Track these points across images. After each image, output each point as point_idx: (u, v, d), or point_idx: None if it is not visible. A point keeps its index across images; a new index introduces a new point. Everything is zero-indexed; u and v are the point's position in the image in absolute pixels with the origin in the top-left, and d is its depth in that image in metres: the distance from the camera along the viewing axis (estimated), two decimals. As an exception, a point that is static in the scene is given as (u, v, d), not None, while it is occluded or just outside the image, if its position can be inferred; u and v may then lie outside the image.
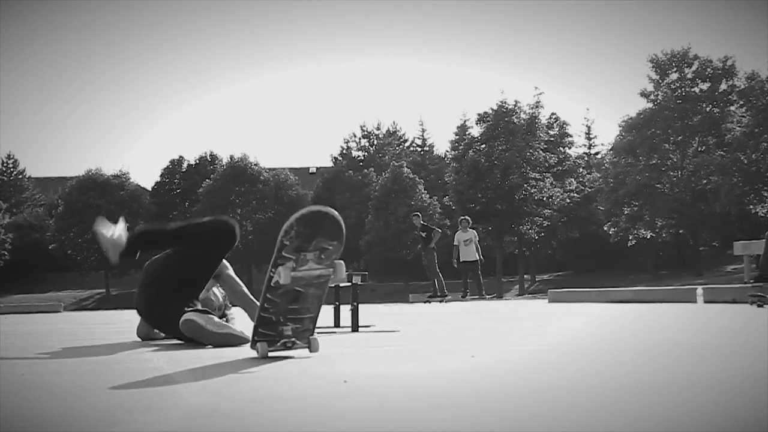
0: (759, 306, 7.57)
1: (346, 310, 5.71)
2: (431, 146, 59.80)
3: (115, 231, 3.74)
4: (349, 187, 52.72)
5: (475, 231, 17.53)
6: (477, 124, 48.17)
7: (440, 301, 16.68)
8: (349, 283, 5.15)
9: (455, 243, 17.19)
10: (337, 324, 5.70)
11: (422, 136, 60.17)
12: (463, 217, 17.90)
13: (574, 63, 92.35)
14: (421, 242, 17.20)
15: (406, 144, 59.96)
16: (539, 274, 49.52)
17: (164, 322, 3.96)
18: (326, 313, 9.50)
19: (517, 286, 45.22)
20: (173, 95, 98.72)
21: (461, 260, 16.97)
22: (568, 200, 46.75)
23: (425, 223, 17.45)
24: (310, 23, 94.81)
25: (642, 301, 11.82)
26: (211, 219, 4.07)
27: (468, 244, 16.87)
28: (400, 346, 3.57)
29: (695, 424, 1.33)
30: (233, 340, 3.64)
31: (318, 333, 4.72)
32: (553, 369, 2.32)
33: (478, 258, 16.92)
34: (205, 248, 3.93)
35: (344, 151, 57.14)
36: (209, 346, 3.56)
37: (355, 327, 5.12)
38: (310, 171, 64.33)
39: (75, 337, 3.92)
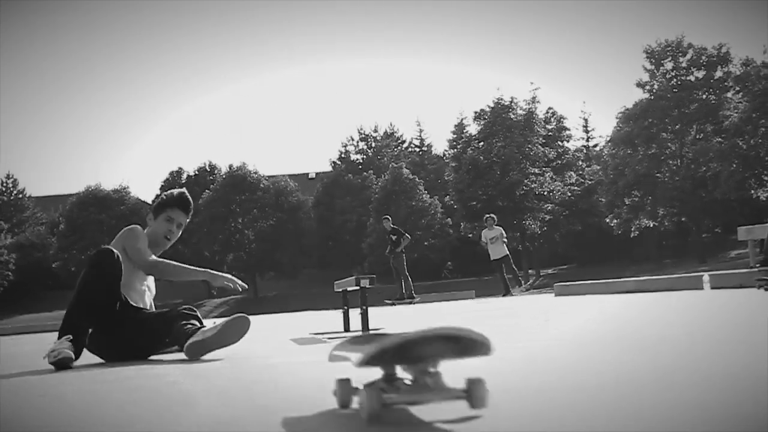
0: (766, 290, 7.57)
1: (355, 314, 5.71)
2: (429, 146, 59.84)
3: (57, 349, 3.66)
4: (349, 190, 52.74)
5: (501, 228, 17.42)
6: (474, 121, 48.22)
7: (408, 303, 16.76)
8: (358, 287, 5.17)
9: (482, 241, 17.21)
10: (347, 328, 5.70)
11: (420, 136, 60.25)
12: (488, 215, 17.80)
13: (568, 56, 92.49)
14: (390, 245, 17.26)
15: (404, 145, 59.99)
16: (543, 269, 49.48)
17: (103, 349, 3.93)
18: (335, 318, 9.46)
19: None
20: (173, 95, 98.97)
21: (491, 258, 16.97)
22: (568, 194, 46.76)
23: (396, 227, 17.50)
24: (310, 23, 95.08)
25: (649, 290, 11.81)
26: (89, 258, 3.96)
27: (494, 242, 16.84)
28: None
29: (695, 424, 1.32)
30: (232, 328, 3.54)
31: (328, 338, 4.72)
32: (553, 368, 2.31)
33: (507, 252, 16.92)
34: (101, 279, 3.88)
35: (343, 155, 57.17)
36: (216, 350, 3.54)
37: (365, 330, 5.13)
38: (309, 176, 64.34)
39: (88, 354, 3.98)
